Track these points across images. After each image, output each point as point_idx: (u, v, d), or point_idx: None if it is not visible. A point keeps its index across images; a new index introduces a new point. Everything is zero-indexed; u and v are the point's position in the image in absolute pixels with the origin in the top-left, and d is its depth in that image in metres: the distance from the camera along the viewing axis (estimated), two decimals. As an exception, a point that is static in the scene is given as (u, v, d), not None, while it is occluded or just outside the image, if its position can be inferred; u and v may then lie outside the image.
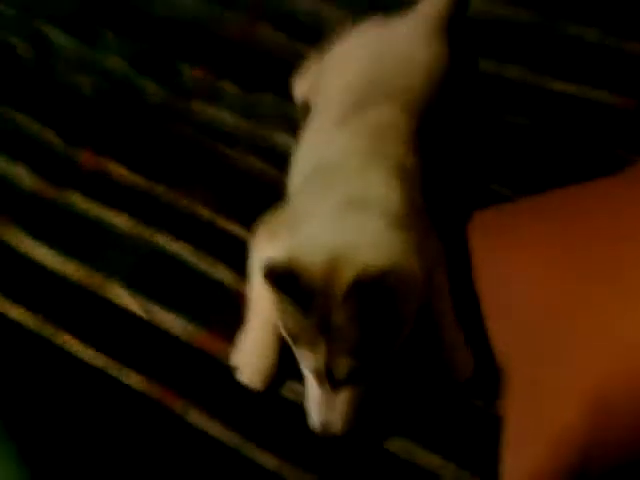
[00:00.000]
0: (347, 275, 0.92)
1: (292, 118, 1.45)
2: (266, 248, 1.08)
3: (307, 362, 0.95)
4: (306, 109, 1.41)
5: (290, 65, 1.53)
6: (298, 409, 1.02)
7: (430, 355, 1.07)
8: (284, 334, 0.98)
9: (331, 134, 1.17)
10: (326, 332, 0.92)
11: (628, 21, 1.49)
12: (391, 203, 1.03)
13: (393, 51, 1.27)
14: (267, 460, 0.98)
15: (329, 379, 0.94)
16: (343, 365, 0.93)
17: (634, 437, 0.88)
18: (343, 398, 0.96)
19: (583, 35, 1.49)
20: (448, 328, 1.08)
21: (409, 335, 1.00)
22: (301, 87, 1.50)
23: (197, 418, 1.02)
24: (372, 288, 0.90)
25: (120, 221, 1.23)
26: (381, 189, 1.04)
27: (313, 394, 0.97)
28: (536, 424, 0.93)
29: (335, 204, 1.03)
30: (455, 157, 1.32)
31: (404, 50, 1.27)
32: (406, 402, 1.04)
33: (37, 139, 1.39)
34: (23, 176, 1.32)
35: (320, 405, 0.96)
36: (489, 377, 1.04)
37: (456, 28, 1.33)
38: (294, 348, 0.97)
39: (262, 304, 1.08)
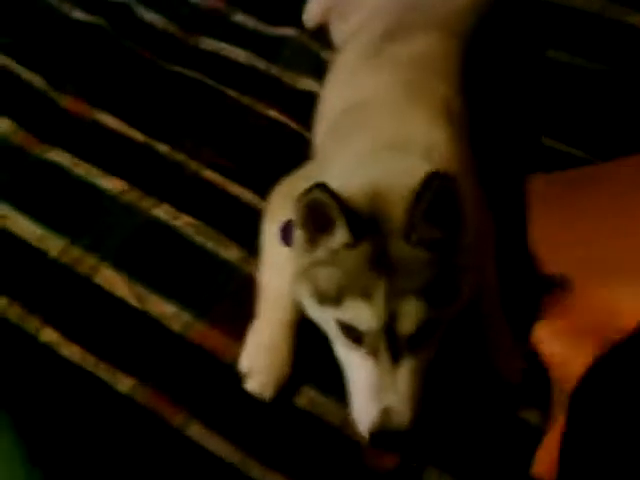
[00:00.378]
0: (399, 203, 0.74)
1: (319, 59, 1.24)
2: (282, 213, 0.88)
3: (360, 319, 0.74)
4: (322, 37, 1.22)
5: None
6: (313, 420, 0.85)
7: (478, 358, 0.89)
8: (316, 302, 0.78)
9: (363, 68, 0.99)
10: (386, 268, 0.73)
11: None
12: (437, 147, 0.85)
13: None
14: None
15: (390, 343, 0.74)
16: (412, 311, 0.73)
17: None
18: (406, 373, 0.75)
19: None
20: (496, 328, 0.89)
21: (455, 333, 0.82)
22: (317, 10, 1.29)
23: (197, 432, 0.85)
24: (444, 188, 0.73)
25: (112, 186, 1.05)
26: (425, 130, 0.86)
27: (364, 378, 0.75)
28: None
29: (369, 147, 0.85)
30: (504, 104, 1.11)
31: None
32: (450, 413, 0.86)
33: (21, 82, 1.19)
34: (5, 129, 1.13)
35: (377, 388, 0.74)
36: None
37: None
38: (336, 314, 0.76)
39: (276, 288, 0.90)
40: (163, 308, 0.93)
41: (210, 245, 0.98)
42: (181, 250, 0.98)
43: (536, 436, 0.84)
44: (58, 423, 0.86)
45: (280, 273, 0.88)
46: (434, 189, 0.73)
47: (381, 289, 0.73)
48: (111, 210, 1.02)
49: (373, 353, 0.75)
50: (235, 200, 1.04)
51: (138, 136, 1.12)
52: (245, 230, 0.98)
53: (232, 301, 0.94)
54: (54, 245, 0.98)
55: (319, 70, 1.19)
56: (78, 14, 1.31)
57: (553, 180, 1.01)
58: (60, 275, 0.96)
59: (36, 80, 1.19)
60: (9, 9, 1.31)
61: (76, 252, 0.98)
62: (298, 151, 1.08)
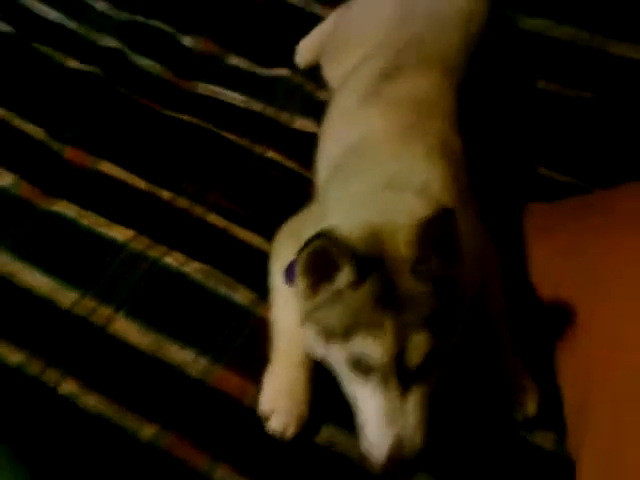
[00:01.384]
0: (398, 240, 0.77)
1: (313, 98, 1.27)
2: (287, 253, 0.90)
3: (370, 353, 0.76)
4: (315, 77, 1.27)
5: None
6: (333, 456, 0.87)
7: (491, 388, 0.91)
8: (322, 341, 0.80)
9: (361, 109, 1.01)
10: (392, 303, 0.75)
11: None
12: (434, 184, 0.87)
13: (428, 6, 1.11)
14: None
15: (399, 374, 0.76)
16: (420, 343, 0.75)
17: None
18: (415, 402, 0.77)
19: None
20: (508, 360, 0.92)
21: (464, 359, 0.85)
22: (309, 50, 1.33)
23: (223, 474, 0.86)
24: (444, 223, 0.75)
25: (120, 235, 1.06)
26: (422, 168, 0.89)
27: (375, 409, 0.77)
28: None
29: (368, 188, 0.87)
30: (498, 136, 1.15)
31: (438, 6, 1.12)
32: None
33: (21, 135, 1.20)
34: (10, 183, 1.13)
35: (389, 418, 0.76)
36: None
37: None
38: (345, 349, 0.78)
39: (287, 329, 0.92)
40: (180, 355, 0.94)
41: (221, 290, 1.00)
42: (193, 296, 1.00)
43: (550, 461, 0.87)
44: (81, 475, 0.87)
45: (290, 313, 0.89)
46: (441, 223, 0.76)
47: (389, 324, 0.75)
48: (120, 259, 1.03)
49: (383, 384, 0.77)
50: (241, 243, 1.06)
51: (141, 184, 1.13)
52: (254, 273, 1.00)
53: (247, 344, 0.95)
54: (66, 297, 0.99)
55: (314, 110, 1.22)
56: (72, 63, 1.32)
57: (550, 209, 1.05)
58: (75, 326, 0.97)
59: (36, 132, 1.20)
60: (4, 60, 1.33)
61: (89, 303, 0.99)
62: (299, 190, 1.11)
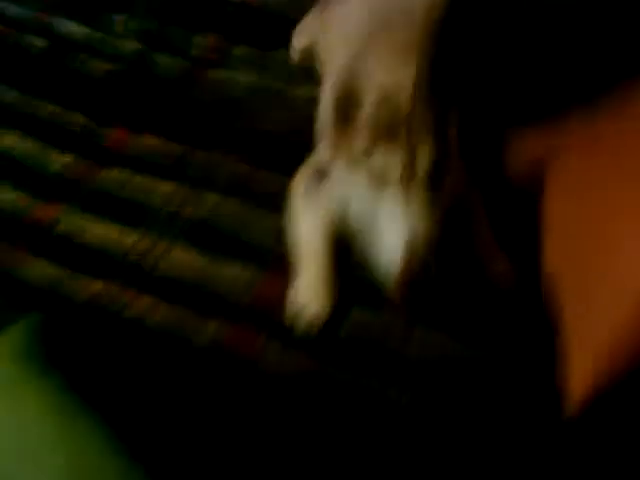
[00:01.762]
0: None
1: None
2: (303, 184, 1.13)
3: (386, 162, 0.93)
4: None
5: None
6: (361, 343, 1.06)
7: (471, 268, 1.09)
8: (347, 171, 0.99)
9: None
10: (403, 125, 0.94)
11: None
12: None
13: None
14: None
15: (411, 181, 0.92)
16: (426, 153, 0.93)
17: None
18: (426, 208, 0.93)
19: None
20: (483, 240, 1.09)
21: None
22: (304, 34, 1.51)
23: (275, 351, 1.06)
24: None
25: (169, 189, 1.27)
26: None
27: (392, 218, 0.93)
28: (591, 328, 0.96)
29: None
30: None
31: None
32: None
33: (64, 123, 1.41)
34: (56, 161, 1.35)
35: (401, 216, 0.93)
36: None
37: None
38: (367, 169, 0.95)
39: (308, 244, 1.12)
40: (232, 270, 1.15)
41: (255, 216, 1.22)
42: (232, 224, 1.21)
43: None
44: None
45: (309, 233, 1.11)
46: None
47: (402, 139, 0.95)
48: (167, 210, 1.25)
49: (399, 194, 0.95)
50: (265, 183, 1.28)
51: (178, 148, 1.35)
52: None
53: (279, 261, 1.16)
54: (129, 237, 1.20)
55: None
56: (105, 66, 1.55)
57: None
58: (139, 258, 1.17)
59: (82, 119, 1.42)
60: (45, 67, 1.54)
61: (147, 242, 1.19)
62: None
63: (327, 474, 0.99)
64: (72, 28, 1.64)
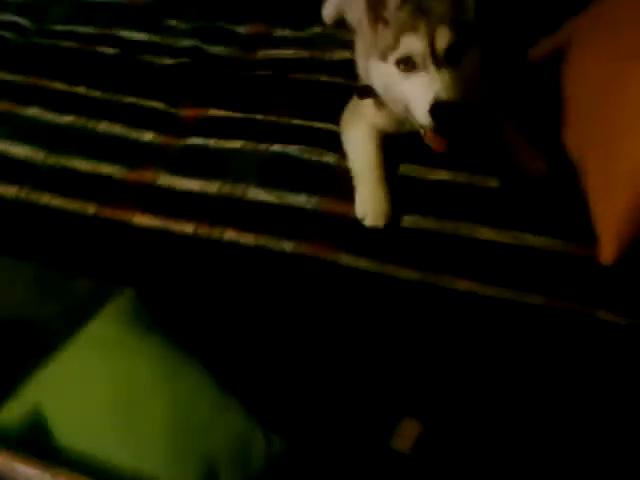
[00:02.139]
0: None
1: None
2: (351, 119, 1.40)
3: (413, 47, 1.18)
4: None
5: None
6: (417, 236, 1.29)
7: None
8: (380, 62, 1.23)
9: None
10: (423, 13, 1.19)
11: None
12: None
13: None
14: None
15: (433, 57, 1.17)
16: (443, 33, 1.18)
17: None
18: (447, 75, 1.18)
19: None
20: (511, 133, 1.34)
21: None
22: (331, 8, 1.77)
23: (348, 260, 1.29)
24: None
25: (238, 145, 1.51)
26: None
27: (420, 86, 1.18)
28: (613, 180, 1.16)
29: None
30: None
31: None
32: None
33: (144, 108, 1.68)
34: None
35: (427, 82, 1.17)
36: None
37: None
38: (395, 55, 1.20)
39: (361, 163, 1.36)
40: (297, 199, 1.38)
41: (315, 157, 1.45)
42: (295, 165, 1.45)
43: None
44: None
45: (360, 156, 1.36)
46: None
47: (422, 24, 1.20)
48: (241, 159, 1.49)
49: (423, 68, 1.19)
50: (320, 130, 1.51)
51: (238, 114, 1.60)
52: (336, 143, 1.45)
53: (340, 184, 1.39)
54: (212, 186, 1.44)
55: (347, 45, 1.68)
56: (167, 61, 1.82)
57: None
58: (224, 201, 1.42)
59: (158, 105, 1.68)
60: (118, 68, 1.82)
61: (228, 186, 1.44)
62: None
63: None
64: (135, 35, 1.92)
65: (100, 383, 1.17)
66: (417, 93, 1.20)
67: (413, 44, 1.19)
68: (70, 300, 1.62)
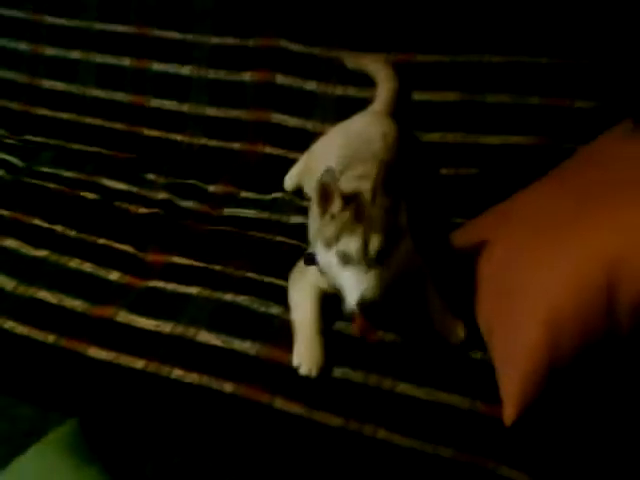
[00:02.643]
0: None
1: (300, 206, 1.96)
2: (298, 277, 1.59)
3: (349, 245, 1.37)
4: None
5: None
6: (346, 386, 1.42)
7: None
8: (324, 248, 1.42)
9: None
10: (361, 219, 1.38)
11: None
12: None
13: (359, 134, 1.84)
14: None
15: (365, 258, 1.35)
16: (375, 241, 1.37)
17: (581, 338, 1.28)
18: (374, 275, 1.36)
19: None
20: (434, 303, 1.53)
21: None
22: (292, 179, 2.05)
23: (281, 404, 1.41)
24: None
25: (195, 291, 1.67)
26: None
27: (350, 277, 1.37)
28: (513, 351, 1.34)
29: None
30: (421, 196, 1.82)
31: (366, 132, 1.84)
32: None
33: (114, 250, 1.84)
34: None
35: (358, 280, 1.36)
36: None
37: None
38: (336, 248, 1.38)
39: (302, 318, 1.52)
40: (243, 344, 1.52)
41: (262, 309, 1.61)
42: (243, 314, 1.60)
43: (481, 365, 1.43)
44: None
45: (301, 311, 1.53)
46: (381, 177, 1.45)
47: (359, 229, 1.39)
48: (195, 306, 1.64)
49: (356, 266, 1.37)
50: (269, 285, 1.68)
51: (198, 264, 1.77)
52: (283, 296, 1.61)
53: (283, 334, 1.53)
54: (166, 326, 1.58)
55: (303, 211, 1.90)
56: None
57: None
58: (174, 341, 1.55)
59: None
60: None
61: (180, 328, 1.58)
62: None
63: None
64: (115, 185, 2.13)
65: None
66: (349, 286, 1.39)
67: (350, 245, 1.38)
68: (12, 426, 1.69)
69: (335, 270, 1.42)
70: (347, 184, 1.52)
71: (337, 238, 1.40)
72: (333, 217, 1.43)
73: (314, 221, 1.50)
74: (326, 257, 1.44)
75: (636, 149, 1.46)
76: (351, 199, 1.43)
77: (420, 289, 1.54)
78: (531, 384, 1.28)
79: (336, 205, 1.43)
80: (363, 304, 1.35)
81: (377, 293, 1.36)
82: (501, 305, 1.41)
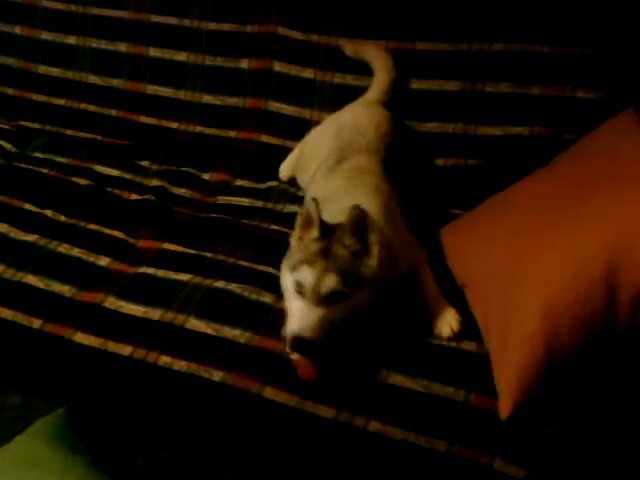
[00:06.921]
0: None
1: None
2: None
3: (304, 278, 1.34)
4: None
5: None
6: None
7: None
8: (288, 271, 1.39)
9: (327, 178, 1.69)
10: (325, 255, 1.35)
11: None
12: (371, 209, 1.45)
13: (352, 124, 1.81)
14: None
15: (315, 295, 1.32)
16: (329, 280, 1.33)
17: (579, 331, 1.25)
18: (318, 314, 1.33)
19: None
20: (431, 293, 1.50)
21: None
22: (287, 169, 2.02)
23: (271, 393, 1.37)
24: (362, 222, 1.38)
25: (186, 278, 1.63)
26: (364, 201, 1.47)
27: (297, 307, 1.34)
28: (509, 343, 1.30)
29: (338, 211, 1.46)
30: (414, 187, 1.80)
31: (359, 122, 1.81)
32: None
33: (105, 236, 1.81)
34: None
35: (301, 314, 1.32)
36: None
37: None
38: (293, 276, 1.36)
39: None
40: (233, 332, 1.48)
41: (254, 296, 1.57)
42: (237, 302, 1.56)
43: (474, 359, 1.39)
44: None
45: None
46: (354, 219, 1.38)
47: (319, 264, 1.35)
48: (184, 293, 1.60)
49: (306, 299, 1.34)
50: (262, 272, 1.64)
51: (191, 251, 1.74)
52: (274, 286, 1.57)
53: (274, 323, 1.49)
54: (155, 314, 1.55)
55: (297, 200, 1.87)
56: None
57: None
58: (163, 328, 1.51)
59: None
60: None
61: (171, 314, 1.54)
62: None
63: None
64: (108, 171, 2.10)
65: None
66: (292, 317, 1.36)
67: (305, 276, 1.35)
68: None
69: (289, 295, 1.41)
70: (337, 216, 1.44)
71: (298, 266, 1.37)
72: (305, 245, 1.40)
73: (293, 240, 1.48)
74: (286, 279, 1.42)
75: (638, 138, 1.43)
76: (332, 230, 1.40)
77: (416, 278, 1.52)
78: (528, 378, 1.25)
79: (312, 234, 1.40)
80: (296, 339, 1.31)
81: (314, 335, 1.32)
82: (498, 297, 1.37)
